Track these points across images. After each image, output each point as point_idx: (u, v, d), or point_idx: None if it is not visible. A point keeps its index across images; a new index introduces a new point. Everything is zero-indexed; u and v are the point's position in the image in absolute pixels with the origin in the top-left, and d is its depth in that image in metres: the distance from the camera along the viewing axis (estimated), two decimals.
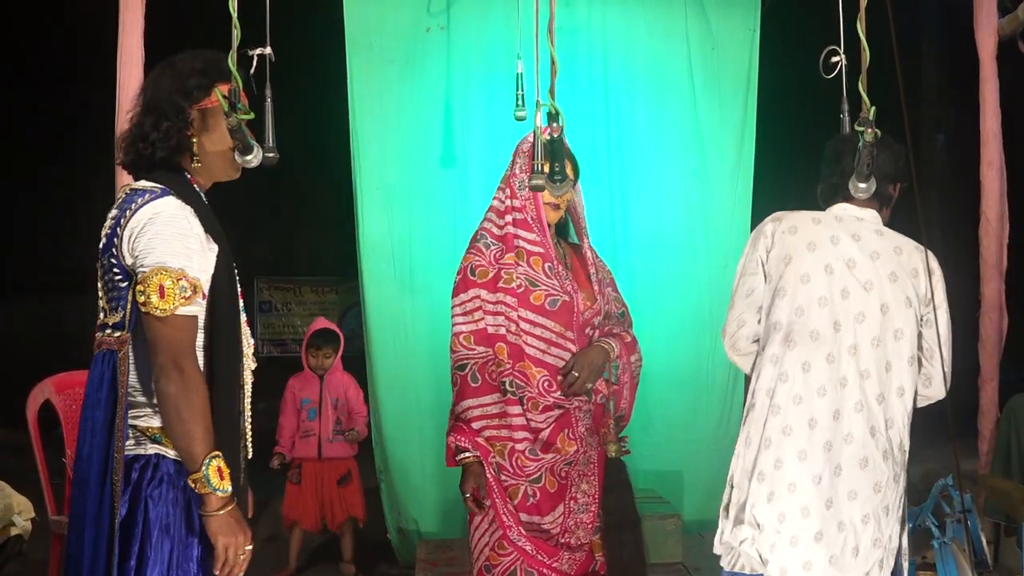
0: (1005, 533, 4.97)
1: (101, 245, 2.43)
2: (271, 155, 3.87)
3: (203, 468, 2.29)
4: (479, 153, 5.20)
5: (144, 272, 2.31)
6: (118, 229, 2.36)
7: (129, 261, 2.35)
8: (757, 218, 5.40)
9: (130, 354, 2.37)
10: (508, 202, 3.37)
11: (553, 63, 3.30)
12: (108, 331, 2.41)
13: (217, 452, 2.32)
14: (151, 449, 2.37)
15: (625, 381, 3.39)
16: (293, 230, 12.01)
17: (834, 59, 3.24)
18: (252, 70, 3.44)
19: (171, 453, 2.37)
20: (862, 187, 3.49)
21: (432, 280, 5.13)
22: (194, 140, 2.50)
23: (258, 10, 3.76)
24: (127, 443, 2.35)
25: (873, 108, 2.89)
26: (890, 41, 2.83)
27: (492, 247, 3.34)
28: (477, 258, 3.34)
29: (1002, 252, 5.21)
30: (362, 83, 5.13)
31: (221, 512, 2.32)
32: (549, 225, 3.34)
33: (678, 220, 5.37)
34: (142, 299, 2.30)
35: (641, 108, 5.36)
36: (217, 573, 2.35)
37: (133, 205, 2.37)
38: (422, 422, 5.17)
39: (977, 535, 3.69)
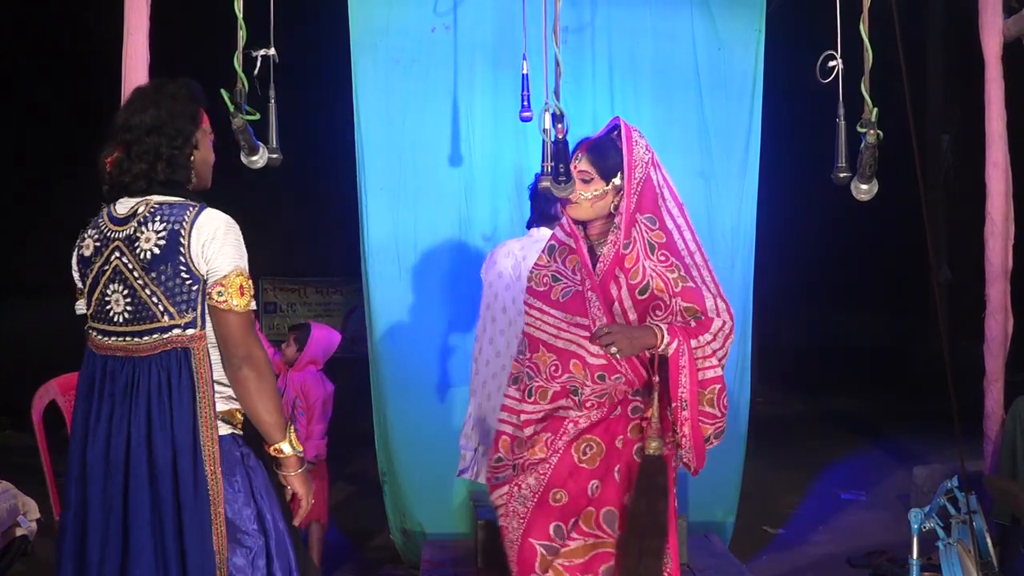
0: (1011, 534, 4.96)
1: (150, 256, 2.63)
2: (275, 156, 3.89)
3: (287, 436, 2.70)
4: (485, 154, 5.20)
5: (225, 274, 2.62)
6: (180, 239, 2.61)
7: (203, 268, 2.63)
8: (763, 218, 5.43)
9: (208, 348, 2.65)
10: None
11: (558, 64, 3.30)
12: (177, 331, 2.64)
13: (291, 422, 2.73)
14: (225, 430, 2.69)
15: (683, 365, 3.03)
16: (298, 231, 12.00)
17: (831, 63, 3.24)
18: (257, 71, 3.44)
19: (238, 431, 2.72)
20: (864, 188, 3.49)
21: (437, 281, 5.13)
22: (193, 159, 2.78)
23: (263, 11, 3.76)
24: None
25: (876, 109, 2.89)
26: (895, 42, 2.83)
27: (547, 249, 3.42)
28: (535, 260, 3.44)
29: (1007, 253, 5.20)
30: (367, 83, 5.13)
31: (300, 470, 2.76)
32: (579, 221, 3.29)
33: None
34: (223, 299, 2.61)
35: (647, 109, 5.35)
36: (296, 520, 2.80)
37: (184, 218, 2.63)
38: (426, 423, 5.17)
39: (982, 536, 3.68)
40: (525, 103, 3.78)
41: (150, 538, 2.58)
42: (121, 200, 2.76)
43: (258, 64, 3.81)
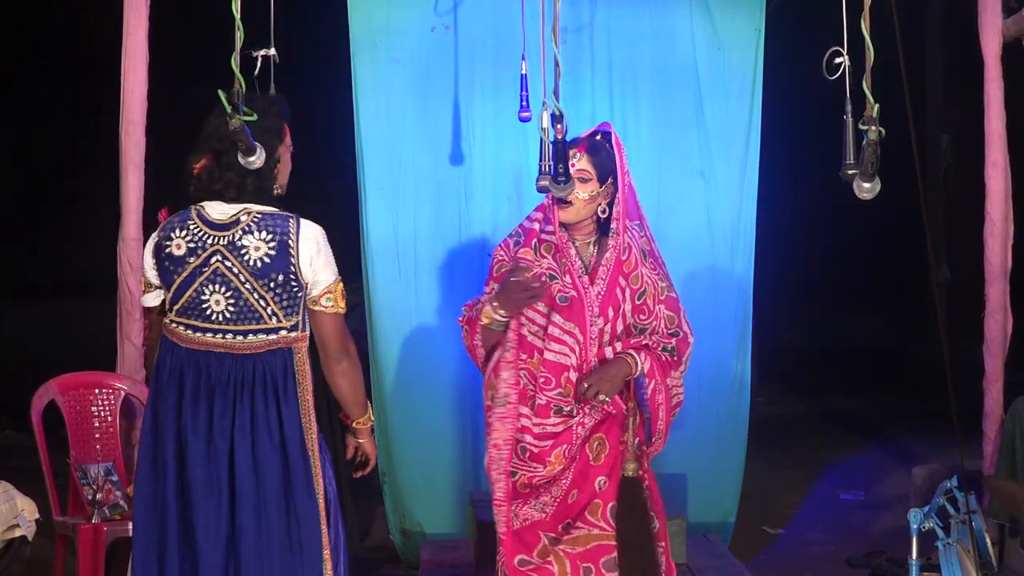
0: (1010, 534, 4.97)
1: (260, 264, 2.91)
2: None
3: (368, 412, 3.22)
4: (485, 153, 5.20)
5: (331, 283, 2.99)
6: (290, 250, 2.91)
7: (310, 277, 2.96)
8: (763, 218, 5.43)
9: (305, 347, 3.01)
10: (547, 200, 3.37)
11: (557, 64, 3.30)
12: (284, 332, 2.97)
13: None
14: None
15: (660, 402, 3.30)
16: None
17: (838, 60, 3.23)
18: (257, 71, 3.44)
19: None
20: (866, 187, 3.49)
21: (437, 281, 5.13)
22: (276, 171, 3.08)
23: (262, 11, 3.76)
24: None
25: (877, 106, 2.88)
26: (894, 42, 2.83)
27: (518, 242, 3.36)
28: (502, 253, 3.38)
29: (1006, 253, 5.21)
30: (367, 83, 5.13)
31: (372, 437, 3.28)
32: (568, 223, 3.31)
33: (683, 220, 5.36)
34: (330, 303, 2.98)
35: (646, 108, 5.35)
36: (361, 473, 3.32)
37: (289, 230, 2.94)
38: (426, 423, 5.17)
39: (982, 536, 3.68)
40: (524, 103, 3.78)
41: (254, 519, 2.92)
42: (212, 204, 2.99)
43: (258, 64, 3.81)
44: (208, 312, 2.94)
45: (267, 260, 2.92)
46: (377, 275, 5.15)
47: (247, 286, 2.93)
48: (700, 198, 5.37)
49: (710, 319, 5.34)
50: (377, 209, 5.15)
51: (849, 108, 3.54)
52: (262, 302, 2.94)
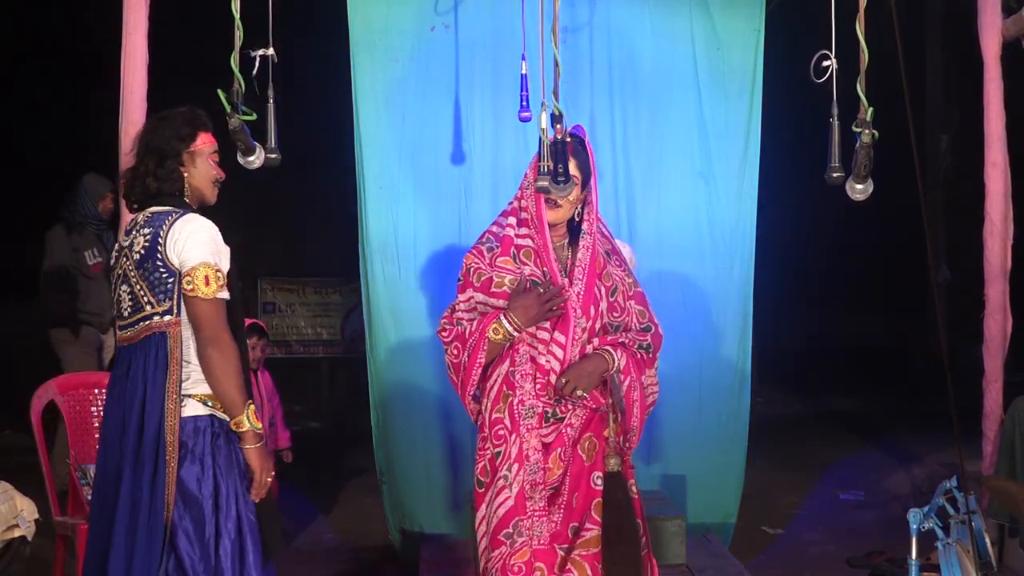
0: (1009, 534, 4.96)
1: (138, 257, 3.05)
2: (273, 156, 3.89)
3: (244, 412, 3.02)
4: (484, 153, 5.20)
5: (194, 265, 2.99)
6: (159, 239, 3.02)
7: (176, 261, 3.00)
8: (763, 218, 5.43)
9: (182, 333, 3.02)
10: (516, 203, 3.37)
11: (556, 64, 3.31)
12: (157, 318, 3.03)
13: (250, 400, 3.04)
14: (203, 411, 3.05)
15: (635, 399, 3.34)
16: (297, 231, 11.97)
17: (825, 63, 3.24)
18: (255, 71, 3.45)
19: (219, 413, 3.05)
20: (859, 188, 3.49)
21: (436, 281, 5.13)
22: (186, 175, 3.16)
23: (262, 11, 3.76)
24: (182, 407, 3.01)
25: (871, 109, 2.89)
26: (894, 42, 2.82)
27: (492, 249, 3.34)
28: (476, 260, 3.35)
29: (1006, 253, 5.21)
30: (366, 82, 5.13)
31: (258, 445, 3.06)
32: (552, 225, 3.33)
33: (683, 220, 5.36)
34: (190, 287, 2.98)
35: (646, 109, 5.35)
36: (252, 493, 3.10)
37: (166, 222, 3.04)
38: (425, 423, 5.17)
39: (981, 536, 3.68)
40: (524, 103, 3.78)
41: (130, 495, 2.98)
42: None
43: (257, 64, 3.81)
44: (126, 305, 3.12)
45: (141, 254, 3.06)
46: (377, 275, 5.15)
47: (131, 280, 3.10)
48: (700, 198, 5.37)
49: (710, 319, 5.35)
50: (377, 209, 5.15)
51: (835, 112, 3.55)
52: (130, 293, 3.09)
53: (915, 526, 3.72)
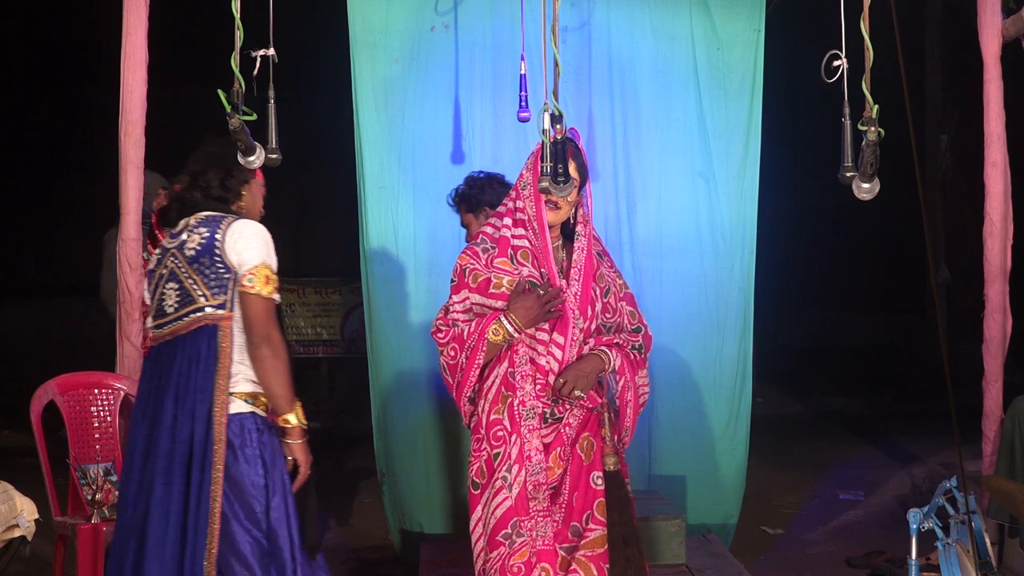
0: (1009, 534, 4.96)
1: (192, 253, 3.16)
2: (275, 156, 3.88)
3: (293, 409, 3.16)
4: (484, 153, 5.20)
5: (255, 265, 3.13)
6: (216, 237, 3.15)
7: (234, 259, 3.13)
8: (763, 218, 5.43)
9: (233, 328, 3.13)
10: (512, 204, 3.38)
11: (556, 64, 3.30)
12: (210, 310, 3.13)
13: (297, 397, 3.18)
14: (246, 408, 3.14)
15: (628, 399, 3.38)
16: (297, 231, 12.00)
17: (836, 63, 3.23)
18: (256, 71, 3.45)
19: (259, 410, 3.17)
20: (865, 187, 3.48)
21: (436, 281, 5.12)
22: (244, 194, 3.36)
23: (262, 11, 3.76)
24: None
25: (877, 107, 2.88)
26: (894, 43, 2.82)
27: (488, 250, 3.35)
28: (472, 261, 3.36)
29: (1006, 253, 5.21)
30: (366, 82, 5.13)
31: (302, 440, 3.19)
32: (551, 226, 3.33)
33: (684, 221, 5.36)
34: (251, 284, 3.11)
35: (647, 109, 5.35)
36: (294, 486, 3.19)
37: (223, 222, 3.19)
38: (425, 423, 5.17)
39: (981, 537, 3.68)
40: (523, 103, 3.78)
41: (164, 486, 3.03)
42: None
43: (257, 64, 3.81)
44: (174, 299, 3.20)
45: (196, 250, 3.17)
46: (377, 275, 5.15)
47: (182, 272, 3.20)
48: (700, 198, 5.37)
49: (710, 319, 5.35)
50: (377, 209, 5.15)
51: (847, 111, 3.54)
52: (181, 285, 3.18)
53: (915, 526, 3.72)
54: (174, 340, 3.15)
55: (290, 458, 3.20)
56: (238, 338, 3.15)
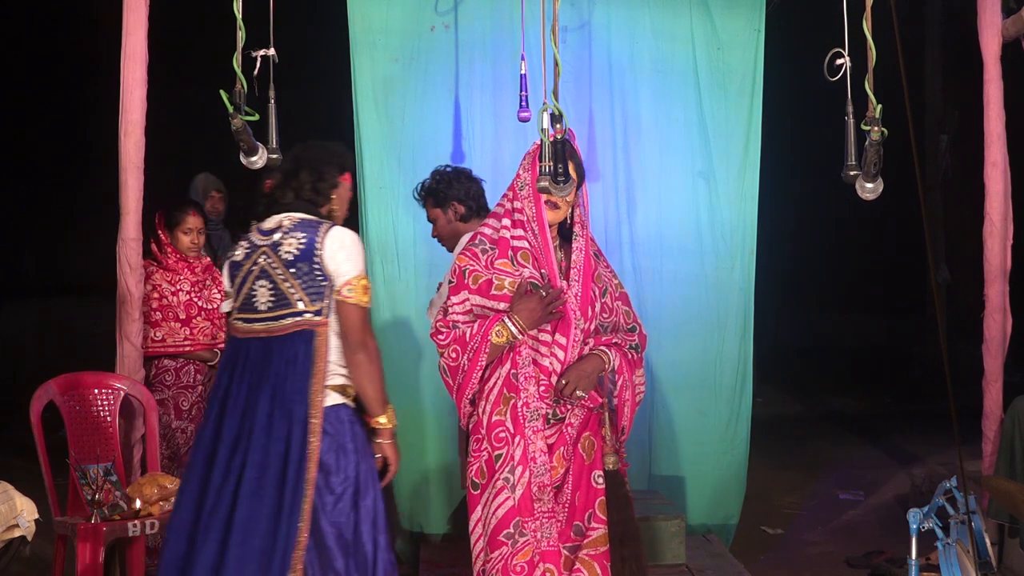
0: (1009, 534, 4.96)
1: (291, 257, 3.21)
2: (275, 156, 3.90)
3: (385, 411, 3.29)
4: (484, 153, 5.20)
5: (354, 276, 3.21)
6: (316, 244, 3.20)
7: (332, 267, 3.19)
8: (764, 218, 5.43)
9: (329, 333, 3.20)
10: (509, 204, 3.38)
11: (556, 64, 3.31)
12: (309, 315, 3.20)
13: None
14: (339, 399, 3.25)
15: (626, 399, 3.40)
16: None
17: (839, 61, 3.23)
18: (256, 71, 3.46)
19: (350, 402, 3.28)
20: (869, 187, 3.48)
21: (436, 281, 5.12)
22: (334, 198, 3.39)
23: (262, 11, 3.76)
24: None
25: (880, 106, 2.89)
26: (894, 43, 2.82)
27: (487, 251, 3.34)
28: (471, 262, 3.35)
29: (1006, 253, 5.21)
30: (366, 82, 5.13)
31: (392, 440, 3.32)
32: (550, 226, 3.33)
33: (685, 220, 5.36)
34: (351, 294, 3.19)
35: (647, 109, 5.35)
36: (383, 481, 3.29)
37: (321, 228, 3.23)
38: (425, 423, 5.17)
39: (981, 537, 3.68)
40: (523, 103, 3.78)
41: (257, 479, 3.10)
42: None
43: (258, 64, 3.81)
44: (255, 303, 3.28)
45: (295, 255, 3.23)
46: (377, 275, 5.15)
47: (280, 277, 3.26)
48: (701, 198, 5.37)
49: (711, 319, 5.35)
50: (377, 209, 5.15)
51: (850, 109, 3.54)
52: (276, 288, 3.24)
53: (915, 526, 3.72)
54: (268, 340, 3.23)
55: (379, 456, 3.30)
56: (333, 341, 3.23)
